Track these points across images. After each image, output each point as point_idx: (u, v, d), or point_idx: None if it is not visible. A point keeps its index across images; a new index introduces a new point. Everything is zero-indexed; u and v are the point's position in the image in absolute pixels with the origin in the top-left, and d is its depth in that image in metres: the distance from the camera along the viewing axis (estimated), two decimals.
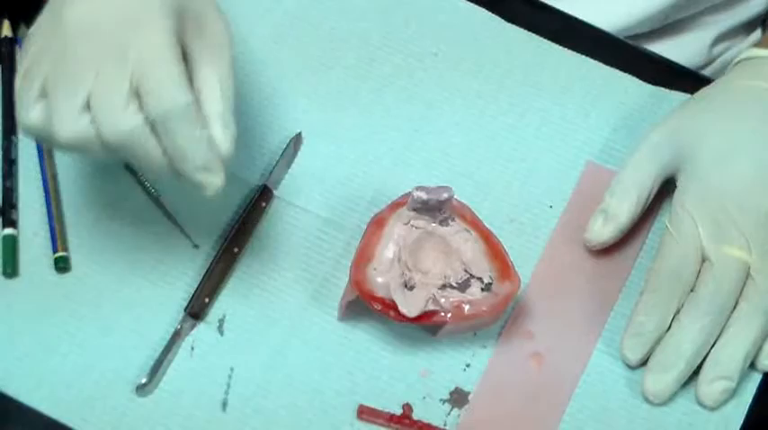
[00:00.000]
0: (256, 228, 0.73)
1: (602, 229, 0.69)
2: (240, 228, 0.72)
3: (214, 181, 0.60)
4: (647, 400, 0.67)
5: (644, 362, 0.68)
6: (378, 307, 0.65)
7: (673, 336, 0.66)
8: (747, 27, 0.90)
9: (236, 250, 0.72)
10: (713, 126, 0.69)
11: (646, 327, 0.67)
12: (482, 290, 0.66)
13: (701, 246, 0.66)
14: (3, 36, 0.79)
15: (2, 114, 0.77)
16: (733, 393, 0.67)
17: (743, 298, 0.66)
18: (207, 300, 0.71)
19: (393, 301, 0.65)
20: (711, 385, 0.66)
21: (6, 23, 0.80)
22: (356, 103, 0.78)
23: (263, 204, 0.74)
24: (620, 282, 0.71)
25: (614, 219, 0.69)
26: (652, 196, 0.70)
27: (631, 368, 0.68)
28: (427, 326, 0.68)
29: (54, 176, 0.75)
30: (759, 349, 0.67)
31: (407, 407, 0.68)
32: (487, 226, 0.68)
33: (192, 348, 0.70)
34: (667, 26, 0.87)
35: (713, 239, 0.66)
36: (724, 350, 0.66)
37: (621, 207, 0.69)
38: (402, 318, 0.65)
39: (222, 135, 0.60)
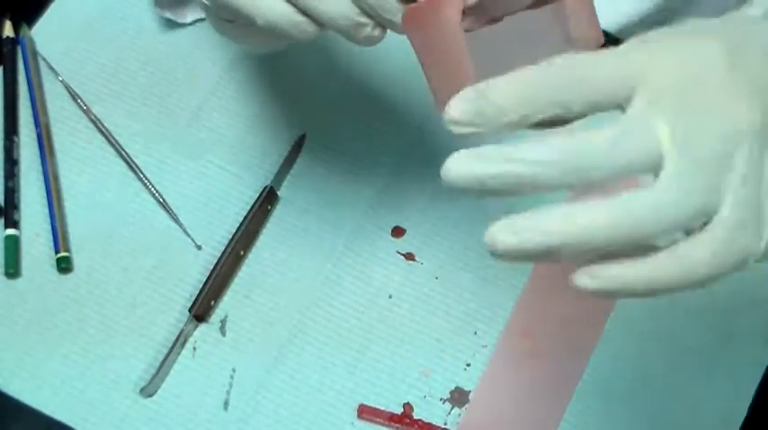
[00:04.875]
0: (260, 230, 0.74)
1: None
2: (246, 230, 0.73)
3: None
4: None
5: None
6: None
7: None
8: None
9: (241, 253, 0.72)
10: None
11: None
12: None
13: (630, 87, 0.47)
14: (5, 36, 0.79)
15: (4, 115, 0.77)
16: None
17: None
18: (212, 302, 0.71)
19: None
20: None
21: (8, 24, 0.80)
22: (358, 102, 0.78)
23: (269, 206, 0.74)
24: None
25: None
26: None
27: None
28: None
29: (56, 177, 0.75)
30: None
31: (408, 407, 0.68)
32: None
33: (195, 349, 0.70)
34: None
35: (647, 102, 0.46)
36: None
37: None
38: None
39: None
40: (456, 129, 0.47)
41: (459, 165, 0.45)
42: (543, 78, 0.46)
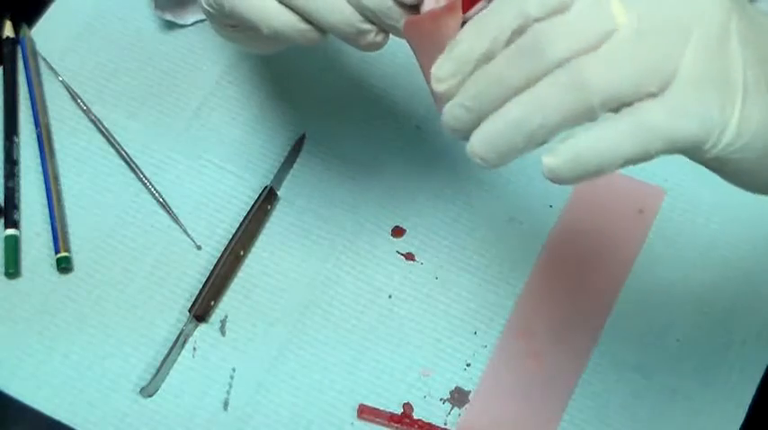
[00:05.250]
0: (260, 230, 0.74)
1: None
2: (246, 230, 0.73)
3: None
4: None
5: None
6: None
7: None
8: None
9: (241, 253, 0.72)
10: None
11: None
12: None
13: None
14: (5, 36, 0.79)
15: (4, 115, 0.77)
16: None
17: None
18: (212, 302, 0.71)
19: None
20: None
21: (8, 24, 0.80)
22: (358, 102, 0.78)
23: (269, 206, 0.74)
24: (619, 281, 0.71)
25: None
26: None
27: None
28: None
29: (56, 177, 0.75)
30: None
31: (408, 407, 0.68)
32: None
33: (195, 349, 0.70)
34: None
35: None
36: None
37: None
38: None
39: None
40: (439, 87, 0.48)
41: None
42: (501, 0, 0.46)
